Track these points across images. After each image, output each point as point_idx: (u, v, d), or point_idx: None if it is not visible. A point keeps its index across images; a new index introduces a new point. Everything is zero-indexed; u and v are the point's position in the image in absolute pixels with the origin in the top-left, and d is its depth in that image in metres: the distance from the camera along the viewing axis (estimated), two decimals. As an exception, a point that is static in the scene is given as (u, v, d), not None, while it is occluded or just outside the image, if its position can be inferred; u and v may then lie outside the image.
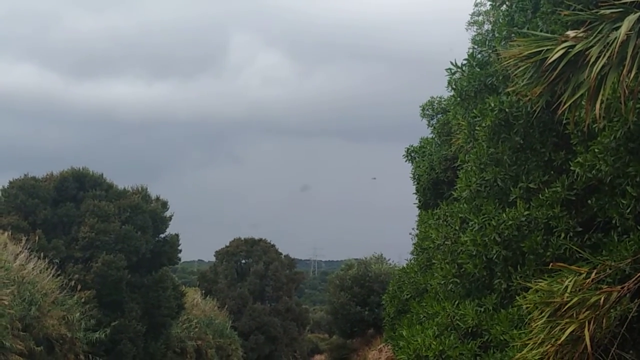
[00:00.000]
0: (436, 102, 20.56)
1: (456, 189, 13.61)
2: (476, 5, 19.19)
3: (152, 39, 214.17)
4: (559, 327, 9.17)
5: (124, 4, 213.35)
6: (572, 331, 9.03)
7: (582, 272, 9.33)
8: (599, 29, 7.92)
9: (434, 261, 14.29)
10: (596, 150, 9.70)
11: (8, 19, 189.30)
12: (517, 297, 10.34)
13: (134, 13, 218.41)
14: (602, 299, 8.97)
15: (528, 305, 9.73)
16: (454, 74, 13.98)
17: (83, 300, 40.70)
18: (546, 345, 9.28)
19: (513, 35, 10.93)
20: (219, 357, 55.44)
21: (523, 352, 9.56)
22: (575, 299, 9.07)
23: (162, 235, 47.52)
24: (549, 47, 8.33)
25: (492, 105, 11.79)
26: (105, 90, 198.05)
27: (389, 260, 47.95)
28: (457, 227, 12.90)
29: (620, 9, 7.85)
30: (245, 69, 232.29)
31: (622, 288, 9.05)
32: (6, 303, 33.07)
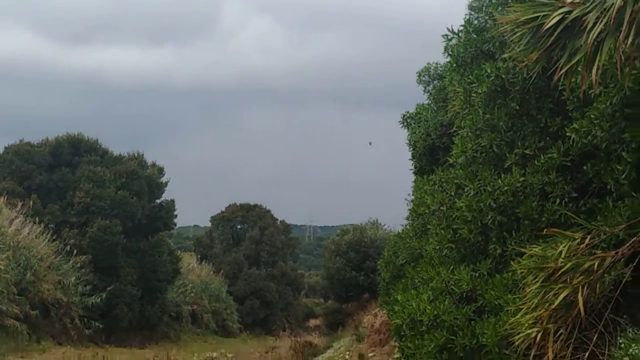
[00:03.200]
0: (432, 68, 20.50)
1: (452, 155, 13.61)
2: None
3: (146, 6, 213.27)
4: (552, 292, 9.24)
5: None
6: (566, 296, 9.09)
7: (577, 237, 9.38)
8: (597, -6, 7.92)
9: (429, 227, 14.31)
10: (592, 116, 9.72)
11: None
12: (512, 262, 10.38)
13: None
14: (596, 264, 9.03)
15: (522, 271, 9.80)
16: (450, 40, 13.95)
17: (79, 265, 40.86)
18: (540, 310, 9.35)
19: (510, 1, 10.90)
20: (214, 321, 55.74)
21: (517, 317, 9.63)
22: (569, 264, 9.13)
23: (158, 201, 47.67)
24: (546, 13, 8.32)
25: (489, 71, 11.78)
26: (100, 56, 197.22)
27: (384, 225, 48.14)
28: (452, 193, 12.91)
29: (618, -26, 7.83)
30: (239, 35, 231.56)
31: (616, 253, 9.10)
32: (2, 267, 33.15)
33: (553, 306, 9.18)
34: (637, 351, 7.40)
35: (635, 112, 9.18)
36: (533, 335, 9.36)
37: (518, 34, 8.71)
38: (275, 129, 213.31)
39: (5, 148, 46.33)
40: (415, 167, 19.45)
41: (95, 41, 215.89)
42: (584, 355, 9.18)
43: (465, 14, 14.00)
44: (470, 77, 12.72)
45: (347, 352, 28.33)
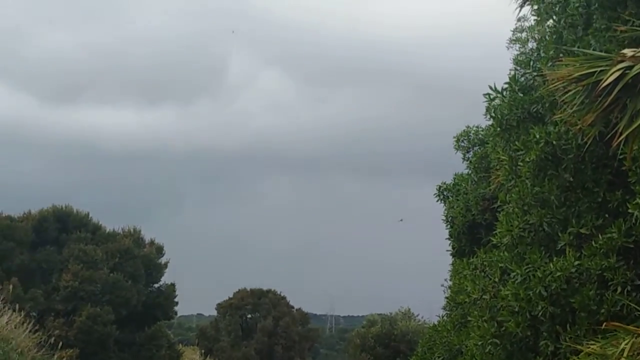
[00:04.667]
0: (472, 132, 20.52)
1: (496, 234, 13.54)
2: (519, 20, 19.16)
3: (142, 60, 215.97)
4: (615, 397, 9.06)
5: (106, 20, 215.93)
6: (630, 402, 8.91)
7: (642, 332, 9.23)
8: (662, 47, 7.88)
9: (469, 318, 14.20)
10: (659, 189, 9.63)
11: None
12: (567, 362, 10.25)
13: (118, 30, 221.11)
14: (666, 364, 8.86)
15: (579, 371, 9.65)
16: (493, 99, 13.96)
17: None
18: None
19: (561, 54, 10.90)
20: None
21: None
22: (635, 364, 8.97)
23: (156, 285, 47.63)
24: (603, 69, 8.28)
25: (538, 136, 11.75)
26: (88, 116, 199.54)
27: (417, 316, 47.88)
28: (496, 279, 12.82)
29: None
30: (247, 91, 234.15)
31: (690, 352, 8.94)
32: (-25, 362, 33.05)
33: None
34: None
35: None
36: None
37: (571, 92, 8.67)
38: (290, 201, 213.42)
39: (-19, 223, 46.59)
40: (454, 248, 19.36)
41: (82, 99, 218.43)
42: None
43: (510, 70, 14.03)
44: (517, 143, 12.70)
45: None
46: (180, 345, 53.96)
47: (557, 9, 12.45)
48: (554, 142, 11.47)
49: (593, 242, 10.79)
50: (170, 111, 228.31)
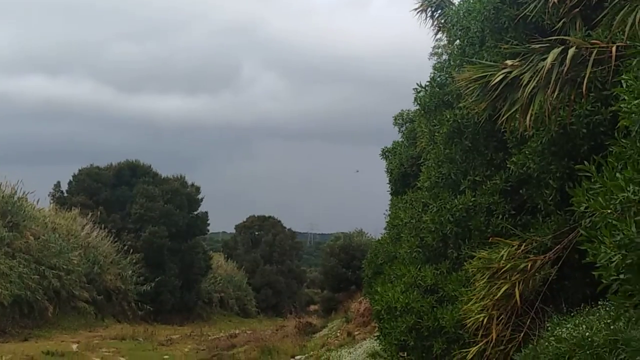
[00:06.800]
0: (405, 114, 20.52)
1: (420, 180, 13.61)
2: (436, 41, 19.11)
3: (182, 64, 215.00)
4: (496, 286, 9.19)
5: (161, 35, 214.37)
6: (506, 289, 9.04)
7: (514, 244, 9.34)
8: (531, 59, 7.92)
9: (402, 235, 14.27)
10: (526, 152, 9.69)
11: (68, 44, 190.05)
12: (465, 263, 10.34)
13: (168, 43, 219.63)
14: (529, 265, 8.99)
15: (473, 270, 9.74)
16: (419, 92, 13.95)
17: (134, 261, 40.91)
18: (486, 300, 9.29)
19: (465, 63, 10.90)
20: (237, 305, 55.61)
21: (469, 305, 9.57)
22: (509, 265, 9.09)
23: (195, 213, 47.69)
24: (492, 72, 8.32)
25: (448, 116, 11.77)
26: (149, 103, 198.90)
27: (368, 234, 47.92)
28: (420, 210, 12.87)
29: (547, 45, 7.85)
30: (253, 85, 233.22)
31: (544, 257, 9.07)
32: (75, 262, 33.15)
33: (496, 297, 9.12)
34: (559, 332, 7.34)
35: (558, 150, 9.16)
36: (481, 319, 9.30)
37: (470, 88, 8.69)
38: (283, 159, 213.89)
39: (79, 170, 46.43)
40: (392, 189, 19.41)
41: (144, 90, 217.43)
42: (520, 335, 9.12)
43: (431, 73, 14.02)
44: (434, 121, 12.73)
45: (339, 331, 28.17)
46: (211, 252, 54.02)
47: (461, 33, 12.42)
48: (459, 121, 11.48)
49: (483, 186, 10.84)
50: (203, 99, 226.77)
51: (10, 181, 32.76)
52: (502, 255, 9.20)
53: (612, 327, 6.46)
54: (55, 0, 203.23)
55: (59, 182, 46.23)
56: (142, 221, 43.00)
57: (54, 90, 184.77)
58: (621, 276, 5.01)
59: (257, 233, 66.41)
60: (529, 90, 7.72)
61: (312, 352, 22.72)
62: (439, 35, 16.93)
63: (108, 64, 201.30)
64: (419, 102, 13.74)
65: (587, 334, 6.68)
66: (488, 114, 9.02)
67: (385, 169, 19.89)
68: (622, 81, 6.02)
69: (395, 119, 20.89)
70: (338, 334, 27.20)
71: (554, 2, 8.82)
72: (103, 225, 40.26)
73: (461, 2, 13.42)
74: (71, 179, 46.07)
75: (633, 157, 5.46)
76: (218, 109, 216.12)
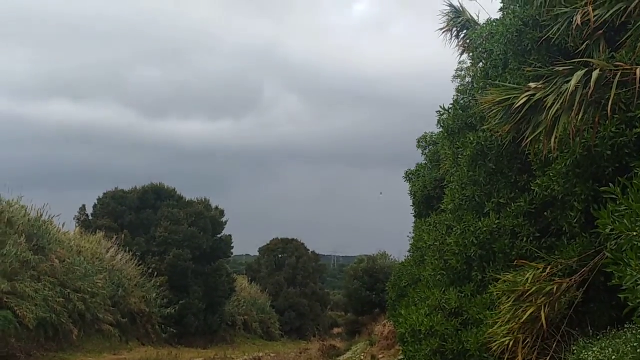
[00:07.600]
0: (429, 136, 20.56)
1: (443, 203, 13.60)
2: (459, 63, 19.19)
3: (204, 88, 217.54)
4: (521, 310, 9.13)
5: (182, 58, 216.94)
6: (532, 313, 8.99)
7: (540, 267, 9.29)
8: (554, 81, 7.93)
9: (426, 258, 14.26)
10: (551, 174, 9.67)
11: (90, 68, 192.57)
12: (490, 286, 10.29)
13: (190, 65, 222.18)
14: (555, 288, 8.93)
15: (498, 292, 9.70)
16: (442, 115, 13.99)
17: (158, 284, 41.00)
18: (512, 323, 9.24)
19: (488, 86, 10.93)
20: (261, 328, 55.49)
21: (494, 328, 9.52)
22: (534, 288, 9.04)
23: (219, 235, 47.76)
24: (515, 95, 8.34)
25: (472, 139, 11.77)
26: (170, 126, 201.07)
27: (391, 256, 47.86)
28: (444, 232, 12.87)
29: (571, 67, 7.86)
30: (275, 108, 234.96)
31: (570, 280, 9.00)
32: (100, 285, 33.30)
33: (522, 320, 9.07)
34: (586, 356, 7.28)
35: (583, 172, 9.13)
36: (506, 343, 9.24)
37: (494, 111, 8.71)
38: (306, 182, 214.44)
39: (104, 194, 46.75)
40: (416, 212, 19.41)
41: (166, 114, 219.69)
42: (546, 359, 9.05)
43: (454, 96, 14.06)
44: (458, 143, 12.73)
45: (363, 354, 28.05)
46: (235, 275, 54.04)
47: (485, 55, 12.45)
48: (483, 143, 11.49)
49: (508, 208, 10.81)
50: (226, 122, 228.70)
51: (36, 205, 33.05)
52: (528, 278, 9.15)
53: (638, 350, 6.40)
54: (78, 24, 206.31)
55: (84, 206, 46.59)
56: (166, 244, 43.15)
57: (76, 114, 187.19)
58: (648, 299, 4.98)
59: (280, 256, 66.38)
60: (553, 112, 7.72)
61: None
62: (464, 57, 17.00)
63: (131, 88, 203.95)
64: (443, 125, 13.77)
65: (613, 357, 6.62)
66: (512, 136, 9.02)
67: (409, 192, 19.90)
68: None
69: (418, 142, 20.94)
70: (362, 357, 27.07)
71: (577, 25, 8.81)
72: (128, 249, 40.44)
73: (484, 25, 13.49)
74: (96, 202, 46.41)
75: (658, 179, 5.44)
76: (240, 132, 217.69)
